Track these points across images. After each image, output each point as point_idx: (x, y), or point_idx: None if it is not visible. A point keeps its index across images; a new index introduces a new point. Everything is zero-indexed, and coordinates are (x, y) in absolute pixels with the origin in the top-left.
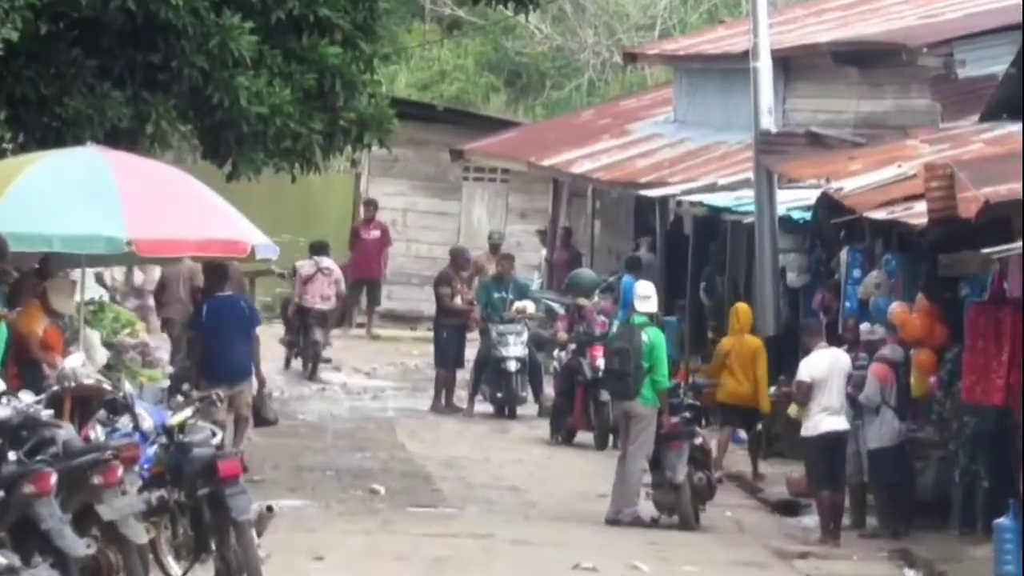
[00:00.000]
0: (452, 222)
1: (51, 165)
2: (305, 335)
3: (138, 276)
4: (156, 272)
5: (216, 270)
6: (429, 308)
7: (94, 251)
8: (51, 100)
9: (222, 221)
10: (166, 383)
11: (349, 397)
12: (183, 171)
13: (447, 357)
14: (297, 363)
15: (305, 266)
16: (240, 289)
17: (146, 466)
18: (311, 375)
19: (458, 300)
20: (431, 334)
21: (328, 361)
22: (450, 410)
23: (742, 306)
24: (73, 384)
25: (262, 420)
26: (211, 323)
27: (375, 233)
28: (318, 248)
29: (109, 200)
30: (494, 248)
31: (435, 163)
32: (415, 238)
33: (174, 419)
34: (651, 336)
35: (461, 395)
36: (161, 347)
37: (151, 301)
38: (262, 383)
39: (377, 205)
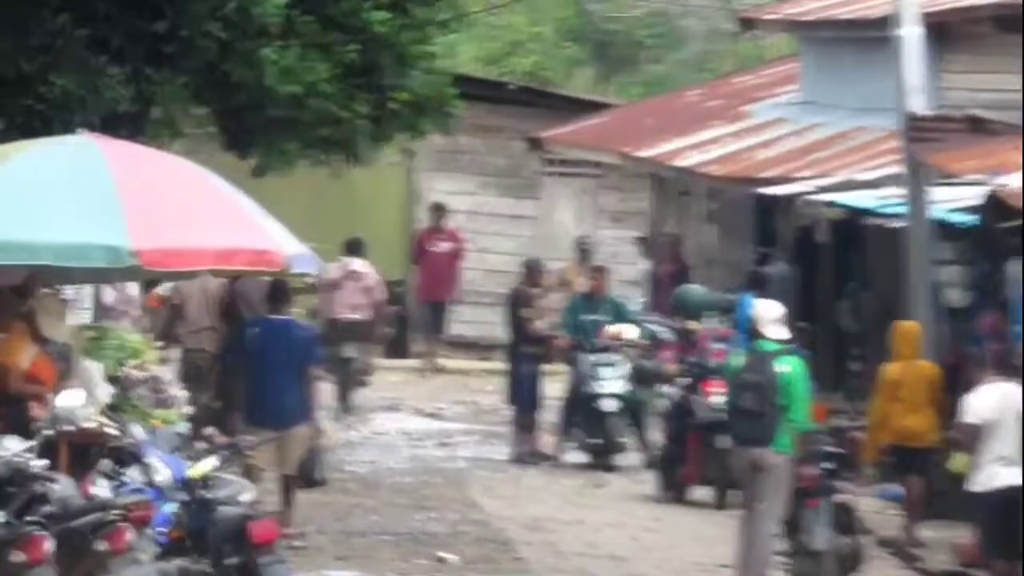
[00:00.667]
0: (529, 227)
1: (35, 158)
2: (335, 353)
3: (109, 294)
4: (133, 289)
5: (276, 288)
6: (504, 333)
7: (90, 263)
8: (34, 78)
9: (248, 227)
10: (184, 427)
11: (409, 444)
12: (198, 165)
13: (525, 395)
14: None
15: (331, 269)
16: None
17: (162, 529)
18: (343, 402)
19: (540, 324)
20: (494, 365)
21: (363, 384)
22: (534, 459)
23: (908, 326)
24: (71, 428)
25: (307, 479)
26: (261, 352)
27: (445, 245)
28: (351, 247)
29: (107, 201)
30: (583, 257)
31: (507, 154)
32: (484, 247)
33: (195, 470)
34: (791, 366)
35: (549, 441)
36: (174, 382)
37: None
38: (319, 434)
39: (446, 210)
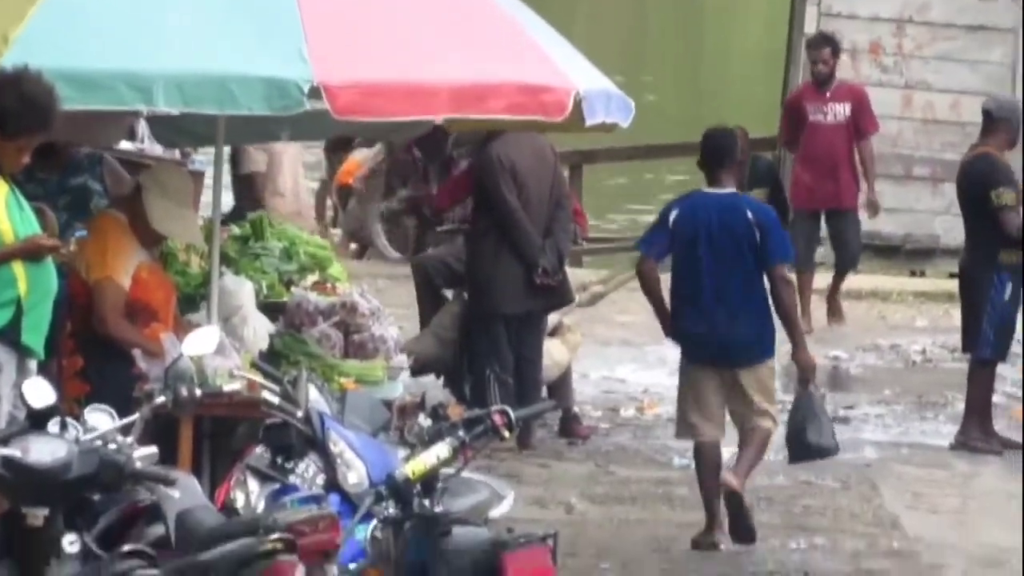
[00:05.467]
0: (1001, 46)
1: None
2: None
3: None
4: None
5: (718, 140)
6: (954, 229)
7: (241, 108)
8: None
9: (510, 47)
10: (398, 389)
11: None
12: None
13: (994, 333)
14: None
15: None
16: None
17: (352, 565)
18: None
19: None
20: (948, 285)
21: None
22: (994, 446)
23: None
24: (199, 392)
25: (804, 446)
26: (690, 246)
27: (840, 108)
28: None
29: (274, 4)
30: None
31: None
32: (920, 80)
33: (413, 466)
34: None
35: (1017, 415)
36: (380, 312)
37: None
38: (807, 369)
39: (834, 42)
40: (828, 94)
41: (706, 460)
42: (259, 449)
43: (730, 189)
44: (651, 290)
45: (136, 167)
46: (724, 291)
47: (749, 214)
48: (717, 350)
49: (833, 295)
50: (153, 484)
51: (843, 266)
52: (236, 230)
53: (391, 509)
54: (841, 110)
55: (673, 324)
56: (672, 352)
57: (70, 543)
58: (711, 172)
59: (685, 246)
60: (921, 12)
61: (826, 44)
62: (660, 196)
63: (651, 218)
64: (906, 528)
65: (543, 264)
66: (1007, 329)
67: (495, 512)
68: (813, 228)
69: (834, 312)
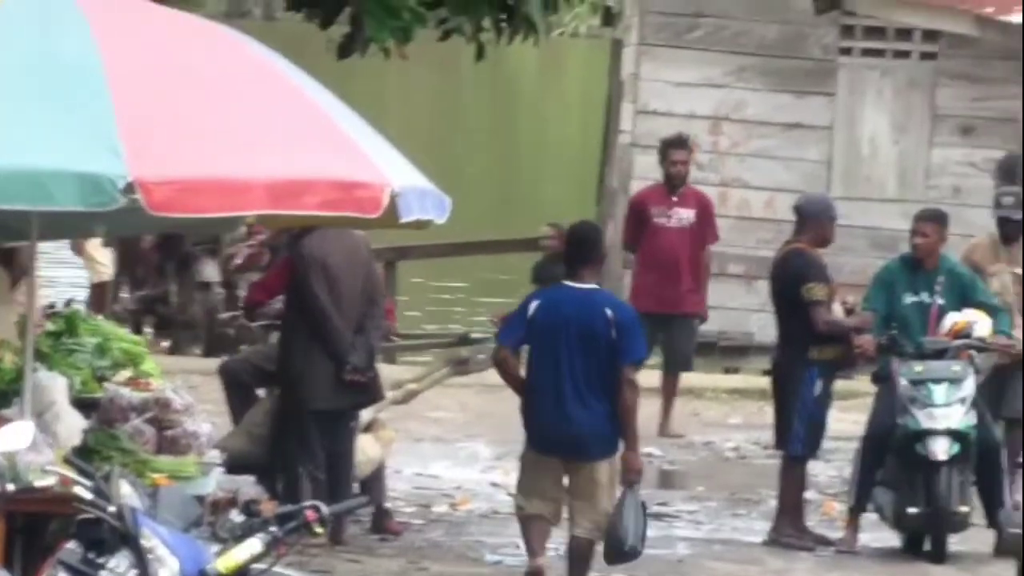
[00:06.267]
0: (816, 144)
1: None
2: None
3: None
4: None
5: (579, 237)
6: (768, 326)
7: (53, 204)
8: None
9: (327, 143)
10: (210, 485)
11: None
12: (238, 37)
13: (805, 429)
14: None
15: None
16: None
17: None
18: None
19: (839, 309)
20: (761, 382)
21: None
22: (808, 541)
23: None
24: (11, 488)
25: (618, 544)
26: (546, 339)
27: (685, 214)
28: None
29: (88, 100)
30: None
31: (780, 19)
32: (736, 177)
33: (225, 561)
34: None
35: (832, 510)
36: (193, 408)
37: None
38: (633, 470)
39: (689, 145)
40: (676, 198)
41: (533, 526)
42: (71, 544)
43: (592, 285)
44: (510, 377)
45: None
46: (578, 386)
47: (608, 312)
48: (565, 443)
49: (670, 404)
50: None
51: (675, 368)
52: (50, 326)
53: None
54: (686, 215)
55: (523, 412)
56: (484, 449)
57: None
58: (573, 266)
59: (543, 339)
60: (737, 110)
61: (683, 146)
62: (477, 292)
63: (465, 313)
64: None
65: (353, 361)
66: (818, 425)
67: None
68: (651, 331)
69: (670, 427)
